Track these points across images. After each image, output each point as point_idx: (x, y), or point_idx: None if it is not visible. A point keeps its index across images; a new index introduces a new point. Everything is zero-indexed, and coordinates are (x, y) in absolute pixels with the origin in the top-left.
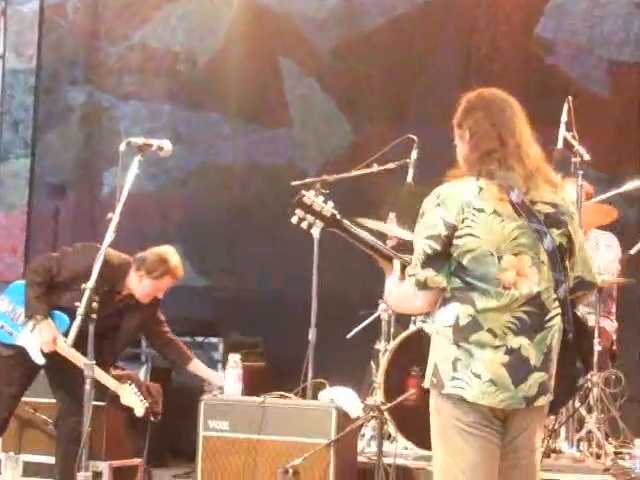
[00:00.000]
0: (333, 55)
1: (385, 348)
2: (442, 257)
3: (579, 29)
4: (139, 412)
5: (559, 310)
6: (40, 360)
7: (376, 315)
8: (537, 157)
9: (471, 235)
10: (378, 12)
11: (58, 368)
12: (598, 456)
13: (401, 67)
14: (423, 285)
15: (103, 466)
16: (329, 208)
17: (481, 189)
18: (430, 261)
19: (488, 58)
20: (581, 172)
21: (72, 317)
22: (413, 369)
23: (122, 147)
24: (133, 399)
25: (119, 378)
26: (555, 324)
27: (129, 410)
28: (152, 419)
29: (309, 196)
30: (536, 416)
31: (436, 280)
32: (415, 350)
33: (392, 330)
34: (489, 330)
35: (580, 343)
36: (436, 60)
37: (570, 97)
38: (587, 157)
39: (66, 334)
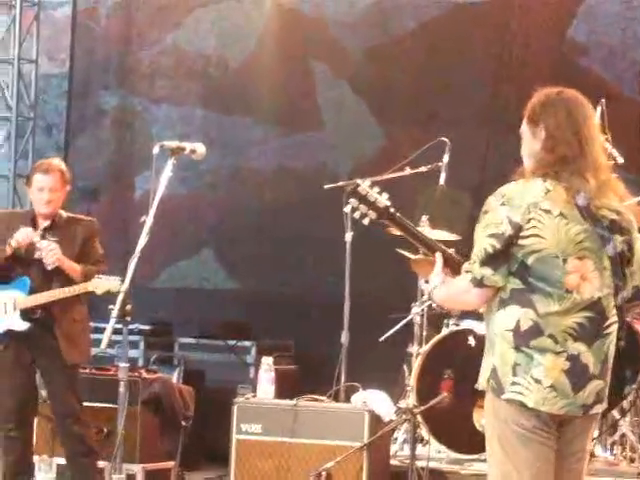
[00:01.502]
0: (365, 58)
1: (418, 351)
2: (502, 256)
3: (612, 31)
4: (116, 288)
5: (616, 317)
6: (23, 325)
7: (409, 318)
8: (608, 168)
9: (537, 236)
10: (409, 16)
11: (46, 359)
12: (632, 460)
13: (432, 71)
14: (479, 283)
15: (137, 469)
16: (384, 200)
17: (548, 190)
18: (490, 260)
19: (520, 61)
20: (615, 175)
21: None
22: (446, 372)
23: (155, 150)
24: (105, 284)
25: (153, 380)
26: (613, 331)
27: (163, 413)
28: (184, 423)
29: (364, 186)
30: (590, 423)
31: (493, 279)
32: (448, 354)
33: (425, 333)
34: (550, 335)
35: (630, 350)
36: (467, 63)
37: (603, 100)
38: (621, 160)
39: (31, 292)
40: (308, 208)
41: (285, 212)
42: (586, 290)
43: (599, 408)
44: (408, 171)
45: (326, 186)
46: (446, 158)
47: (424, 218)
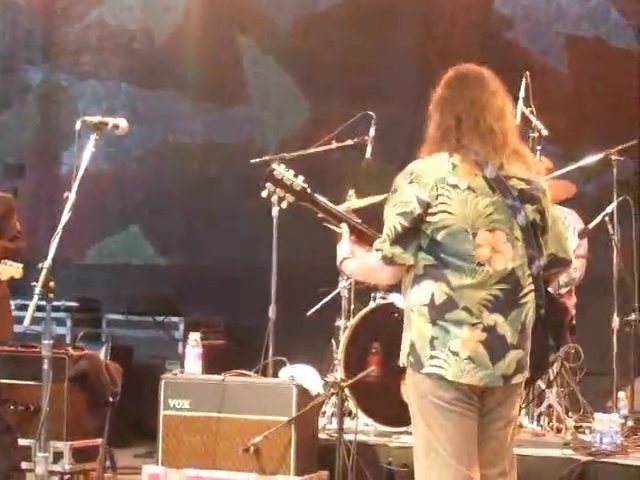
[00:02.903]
0: (291, 33)
1: (345, 325)
2: (412, 234)
3: (537, 4)
4: (19, 274)
5: (532, 287)
6: None
7: (336, 292)
8: (512, 133)
9: (446, 212)
10: None
11: None
12: (558, 430)
13: (359, 44)
14: (390, 261)
15: (64, 446)
16: (300, 182)
17: (455, 165)
18: (399, 238)
19: (447, 34)
20: (539, 147)
21: None
22: (373, 346)
23: (78, 126)
24: (8, 270)
25: (79, 357)
26: (529, 301)
27: (90, 390)
28: (111, 399)
29: (280, 170)
30: (513, 392)
31: (403, 257)
32: (375, 327)
33: (352, 307)
34: (465, 308)
35: (552, 320)
36: (394, 37)
37: (528, 72)
38: (545, 132)
39: None
40: (236, 183)
41: (213, 187)
42: (498, 262)
43: (520, 377)
44: (334, 144)
45: (252, 160)
46: (372, 132)
47: (351, 192)
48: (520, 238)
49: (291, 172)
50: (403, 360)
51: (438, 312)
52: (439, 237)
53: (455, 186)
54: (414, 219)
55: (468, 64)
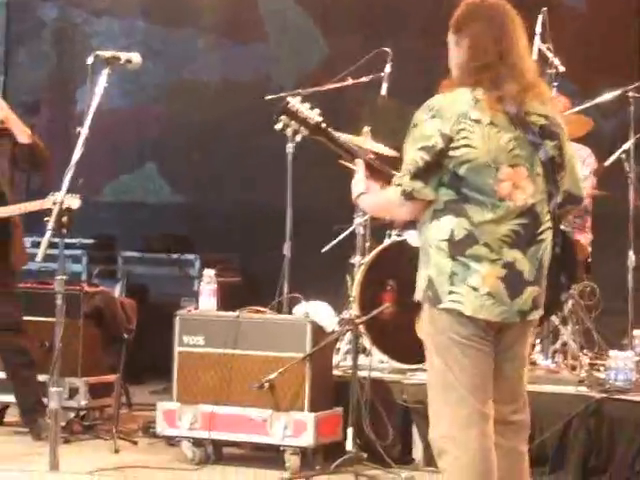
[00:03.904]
0: None
1: (360, 262)
2: (433, 169)
3: None
4: (75, 205)
5: (550, 224)
6: None
7: (351, 229)
8: (532, 72)
9: (468, 146)
10: None
11: None
12: (573, 368)
13: None
14: (409, 196)
15: (79, 382)
16: (315, 115)
17: (477, 100)
18: (420, 173)
19: None
20: (556, 84)
21: None
22: (388, 283)
23: (90, 60)
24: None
25: (94, 294)
26: (547, 238)
27: (105, 327)
28: (126, 336)
29: (295, 103)
30: (527, 329)
31: (423, 192)
32: (390, 264)
33: (367, 244)
34: (485, 244)
35: (565, 257)
36: None
37: (545, 9)
38: (562, 69)
39: None
40: (252, 120)
41: (229, 124)
42: (519, 197)
43: (536, 314)
44: (350, 81)
45: (268, 97)
46: (388, 68)
47: (366, 129)
48: (541, 174)
49: (306, 105)
50: (419, 295)
51: (458, 248)
52: (461, 171)
53: (477, 121)
54: (436, 153)
55: None
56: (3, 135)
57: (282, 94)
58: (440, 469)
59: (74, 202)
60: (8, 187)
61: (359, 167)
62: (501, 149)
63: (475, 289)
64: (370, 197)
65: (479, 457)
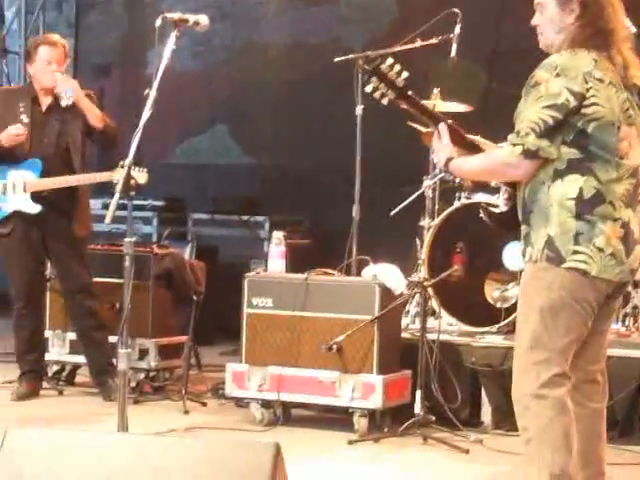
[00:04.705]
0: None
1: (429, 225)
2: (561, 127)
3: None
4: (144, 180)
5: None
6: (34, 208)
7: (420, 191)
8: (628, 33)
9: (597, 104)
10: None
11: (55, 237)
12: None
13: None
14: (533, 154)
15: (149, 343)
16: (402, 79)
17: (596, 61)
18: (548, 131)
19: None
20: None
21: None
22: (458, 245)
23: (158, 23)
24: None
25: (164, 256)
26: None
27: (175, 288)
28: (195, 298)
29: (386, 65)
30: (626, 287)
31: (549, 150)
32: (459, 227)
33: (436, 207)
34: (610, 202)
35: None
36: None
37: None
38: (634, 29)
39: (42, 175)
40: (321, 82)
41: (299, 87)
42: (633, 157)
43: (638, 273)
44: (419, 43)
45: (336, 59)
46: (457, 29)
47: (435, 91)
48: None
49: (397, 68)
50: (535, 255)
51: (587, 206)
52: (590, 129)
53: (601, 80)
54: (569, 111)
55: None
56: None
57: (351, 56)
58: (522, 427)
59: (142, 177)
60: (78, 155)
61: (443, 132)
62: (620, 108)
63: (601, 250)
64: (471, 160)
65: (565, 416)
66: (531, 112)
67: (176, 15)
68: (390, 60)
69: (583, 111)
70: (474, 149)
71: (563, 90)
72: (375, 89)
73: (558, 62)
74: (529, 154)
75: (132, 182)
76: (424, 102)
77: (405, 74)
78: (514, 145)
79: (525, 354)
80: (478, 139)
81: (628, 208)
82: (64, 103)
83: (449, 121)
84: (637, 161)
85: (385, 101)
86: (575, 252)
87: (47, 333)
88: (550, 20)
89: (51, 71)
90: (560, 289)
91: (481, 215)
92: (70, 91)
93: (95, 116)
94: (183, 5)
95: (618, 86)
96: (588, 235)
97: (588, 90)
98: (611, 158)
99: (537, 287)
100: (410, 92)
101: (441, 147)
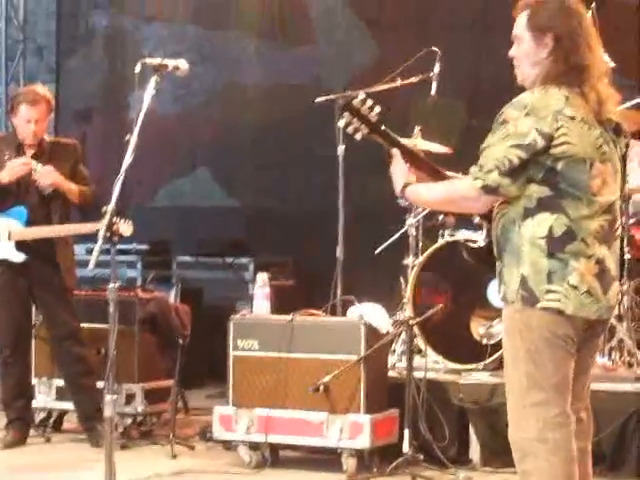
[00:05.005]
0: None
1: (413, 263)
2: (526, 167)
3: None
4: (128, 232)
5: (620, 220)
6: (19, 257)
7: (404, 230)
8: (602, 66)
9: (567, 143)
10: None
11: (41, 285)
12: (629, 365)
13: None
14: (492, 191)
15: (136, 388)
16: (375, 114)
17: (567, 97)
18: (512, 170)
19: None
20: (606, 80)
21: None
22: (442, 283)
23: (137, 68)
24: (123, 228)
25: (149, 300)
26: (620, 233)
27: (160, 332)
28: (180, 342)
29: (358, 100)
30: (606, 325)
31: (509, 189)
32: (443, 264)
33: (420, 245)
34: (582, 240)
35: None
36: None
37: (594, 4)
38: (612, 64)
39: (28, 223)
40: (303, 123)
41: (280, 127)
42: (606, 193)
43: (616, 309)
44: (399, 82)
45: (317, 99)
46: (437, 68)
47: (416, 129)
48: (619, 171)
49: (369, 102)
50: (510, 296)
51: (558, 244)
52: (559, 166)
53: (572, 117)
54: (536, 151)
55: None
56: (65, 148)
57: (331, 96)
58: (524, 472)
59: (127, 229)
60: (62, 205)
61: (398, 157)
62: (593, 146)
63: (575, 287)
64: (430, 188)
65: (569, 458)
66: (497, 149)
67: (156, 61)
68: (362, 95)
69: (552, 151)
70: (440, 178)
71: (532, 130)
72: (348, 124)
73: (528, 101)
74: (488, 190)
75: (115, 228)
76: (398, 137)
77: (378, 109)
78: (475, 179)
79: (521, 397)
80: (451, 174)
81: (602, 245)
82: (45, 192)
83: (423, 157)
84: (612, 197)
85: (358, 136)
86: (549, 291)
87: (33, 380)
88: (526, 54)
89: (31, 129)
90: (539, 329)
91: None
92: (48, 181)
93: (73, 195)
94: (163, 49)
95: (591, 123)
96: (561, 273)
97: (558, 129)
98: (582, 195)
99: (517, 329)
100: (383, 127)
101: (396, 172)
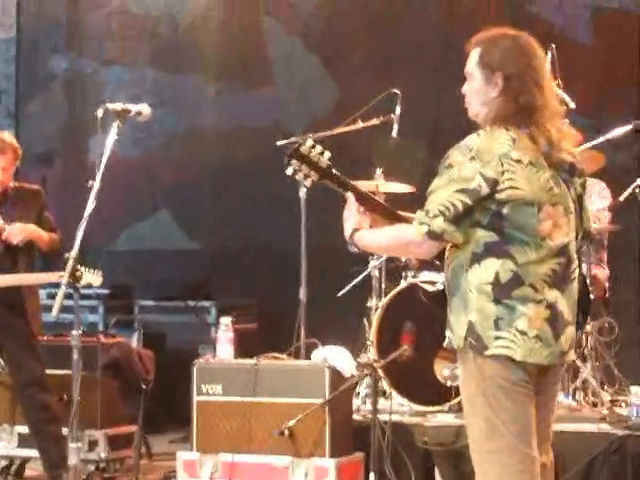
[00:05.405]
0: (315, 12)
1: (376, 305)
2: (471, 212)
3: None
4: (97, 282)
5: (577, 261)
6: None
7: (367, 272)
8: (562, 114)
9: (513, 187)
10: None
11: (6, 331)
12: (594, 405)
13: (383, 21)
14: (437, 237)
15: (98, 435)
16: (325, 159)
17: (514, 140)
18: (457, 217)
19: (470, 8)
20: (567, 120)
21: None
22: (405, 325)
23: (99, 113)
24: (87, 277)
25: (111, 345)
26: (576, 275)
27: (123, 378)
28: (144, 387)
29: (306, 147)
30: (562, 369)
31: (454, 235)
32: (407, 306)
33: (383, 287)
34: (530, 285)
35: (582, 296)
36: (418, 12)
37: (553, 45)
38: (572, 105)
39: None
40: (263, 165)
41: (241, 170)
42: (557, 236)
43: (572, 354)
44: (360, 124)
45: (279, 142)
46: (398, 110)
47: (378, 171)
48: (573, 212)
49: (318, 149)
50: (458, 343)
51: (504, 290)
52: (505, 211)
53: (519, 161)
54: (480, 197)
55: (522, 32)
56: (30, 194)
57: (293, 139)
58: None
59: (96, 280)
60: (27, 252)
61: (351, 202)
62: (542, 188)
63: (523, 333)
64: (377, 233)
65: None
66: (443, 194)
67: (118, 106)
68: (310, 141)
69: (497, 196)
70: (396, 219)
71: (476, 175)
72: (296, 171)
73: (473, 144)
74: (433, 236)
75: (78, 274)
76: (350, 180)
77: (328, 154)
78: (421, 224)
79: (482, 444)
80: (408, 215)
81: (554, 289)
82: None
83: (380, 200)
84: (565, 239)
85: (308, 182)
86: (497, 338)
87: None
88: (476, 91)
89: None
90: (491, 377)
91: (424, 296)
92: (19, 239)
93: (43, 243)
94: (123, 92)
95: (540, 165)
96: (509, 319)
97: (503, 173)
98: (529, 239)
99: (471, 376)
100: (334, 171)
101: (348, 217)
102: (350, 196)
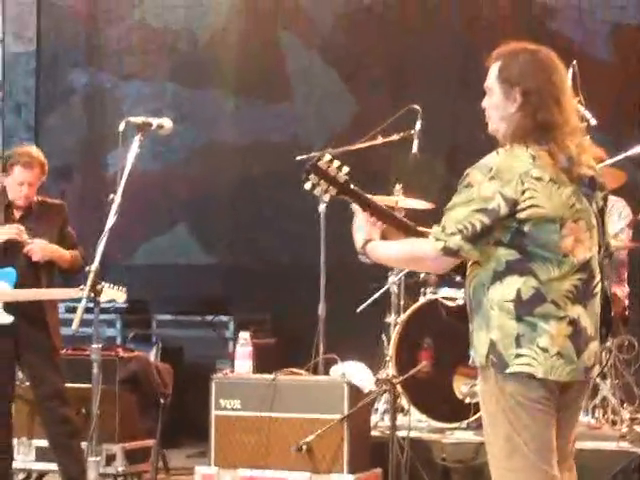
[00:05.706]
0: (334, 27)
1: (395, 321)
2: (488, 232)
3: None
4: (121, 299)
5: (600, 276)
6: (7, 318)
7: (386, 288)
8: (582, 130)
9: (535, 206)
10: None
11: (28, 346)
12: (614, 423)
13: (402, 36)
14: (453, 253)
15: (116, 448)
16: (343, 174)
17: (534, 157)
18: (474, 236)
19: (490, 24)
20: (588, 137)
21: None
22: (425, 341)
23: (121, 127)
24: (110, 293)
25: (130, 359)
26: (599, 291)
27: (141, 392)
28: (162, 401)
29: (323, 162)
30: (587, 386)
31: (470, 253)
32: (425, 322)
33: (402, 303)
34: (552, 301)
35: (604, 311)
36: (437, 28)
37: (575, 62)
38: (594, 122)
39: (16, 285)
40: (282, 180)
41: (259, 185)
42: (580, 252)
43: (596, 369)
44: (380, 140)
45: (298, 157)
46: (418, 125)
47: (398, 187)
48: (595, 227)
49: (336, 163)
50: (480, 361)
51: (526, 307)
52: (526, 228)
53: (539, 178)
54: (499, 217)
55: (542, 46)
56: (53, 208)
57: (313, 154)
58: None
59: (121, 296)
60: (49, 267)
61: (357, 211)
62: (564, 205)
63: (545, 350)
64: (391, 245)
65: None
66: (461, 212)
67: (139, 119)
68: (328, 156)
69: (517, 215)
70: (413, 234)
71: (496, 195)
72: (315, 186)
73: (493, 163)
74: (449, 252)
75: (99, 288)
76: (368, 195)
77: (346, 169)
78: (437, 240)
79: (502, 462)
80: (425, 230)
81: (576, 304)
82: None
83: (399, 216)
84: (588, 255)
85: (326, 197)
86: (518, 355)
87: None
88: (495, 106)
89: (23, 192)
90: (512, 395)
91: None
92: (40, 256)
93: (65, 262)
94: (143, 106)
95: (560, 181)
96: (530, 336)
97: (524, 192)
98: (552, 256)
99: (491, 394)
100: (352, 186)
101: (359, 227)
102: (357, 208)
